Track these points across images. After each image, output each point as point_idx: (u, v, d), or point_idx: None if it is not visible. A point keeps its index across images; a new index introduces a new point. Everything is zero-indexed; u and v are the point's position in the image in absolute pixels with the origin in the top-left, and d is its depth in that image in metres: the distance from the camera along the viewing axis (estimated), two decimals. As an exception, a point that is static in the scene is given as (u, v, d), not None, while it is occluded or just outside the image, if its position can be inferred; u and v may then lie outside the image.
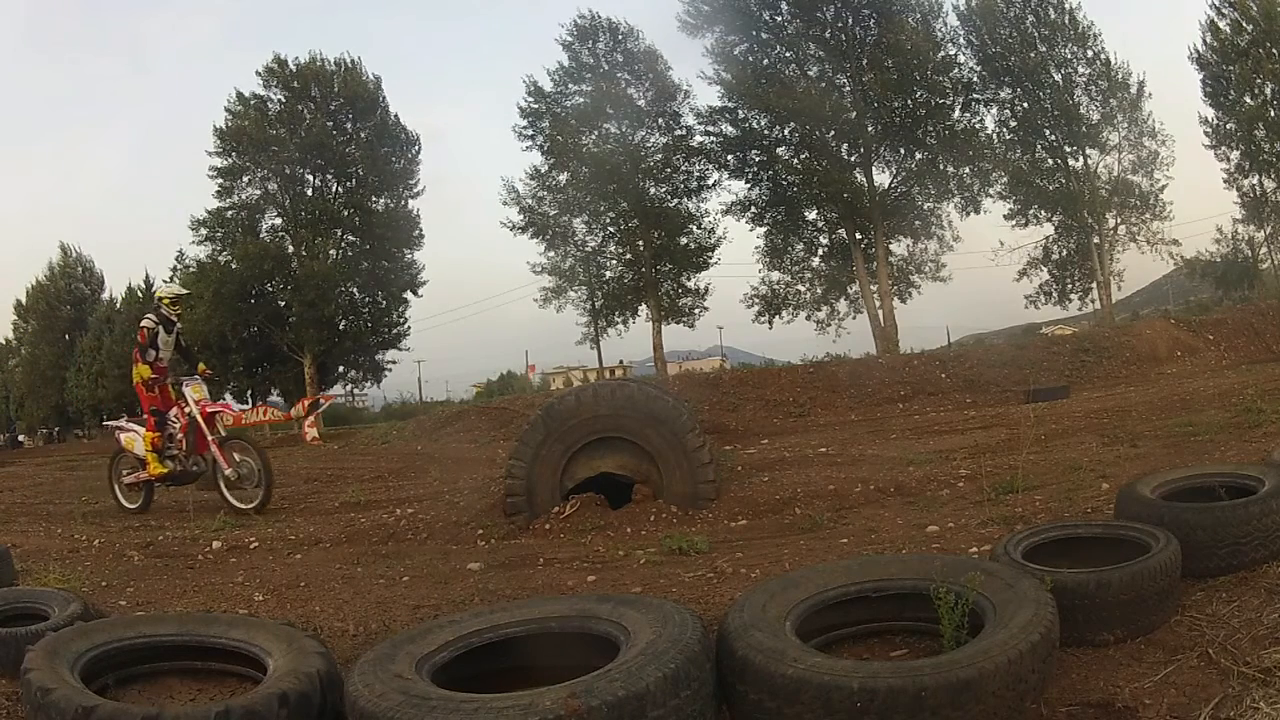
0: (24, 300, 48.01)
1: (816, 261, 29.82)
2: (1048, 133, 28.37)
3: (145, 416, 8.87)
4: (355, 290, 33.89)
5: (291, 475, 12.66)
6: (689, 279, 30.40)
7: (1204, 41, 28.56)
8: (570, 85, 30.09)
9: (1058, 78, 27.97)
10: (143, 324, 8.99)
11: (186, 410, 8.64)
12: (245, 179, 32.40)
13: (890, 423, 13.38)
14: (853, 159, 28.84)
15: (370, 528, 6.81)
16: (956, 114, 28.14)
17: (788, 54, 28.82)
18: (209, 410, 8.62)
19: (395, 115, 33.79)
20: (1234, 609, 2.90)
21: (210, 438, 8.47)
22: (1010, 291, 35.30)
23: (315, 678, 2.45)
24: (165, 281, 10.16)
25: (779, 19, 28.50)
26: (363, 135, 33.23)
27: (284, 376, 34.24)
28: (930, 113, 27.42)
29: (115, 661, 2.79)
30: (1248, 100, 27.61)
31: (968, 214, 28.56)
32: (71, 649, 2.65)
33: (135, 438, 8.87)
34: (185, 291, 9.69)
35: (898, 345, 26.93)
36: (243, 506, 8.30)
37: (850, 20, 28.20)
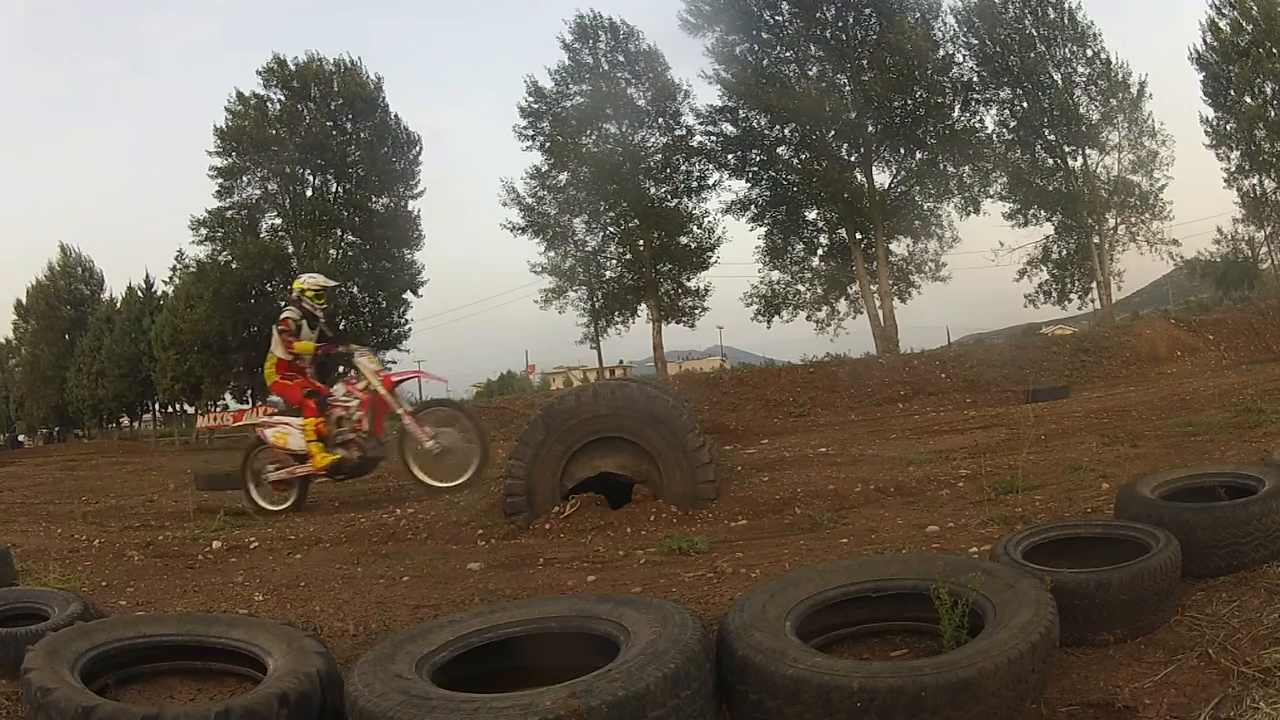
0: (24, 300, 48.11)
1: (816, 261, 29.90)
2: (1047, 133, 28.40)
3: (303, 403, 7.99)
4: (355, 290, 33.93)
5: (291, 475, 12.64)
6: (689, 279, 30.45)
7: (1204, 41, 28.62)
8: (570, 85, 30.15)
9: (1057, 77, 28.00)
10: (285, 314, 8.14)
11: (361, 385, 7.80)
12: (245, 179, 32.51)
13: (890, 423, 13.38)
14: (853, 159, 28.88)
15: (370, 528, 6.80)
16: (956, 114, 28.19)
17: (788, 54, 28.86)
18: (393, 380, 7.80)
19: (396, 115, 33.92)
20: (1234, 609, 2.90)
21: (400, 410, 7.72)
22: (1010, 291, 35.33)
23: (315, 678, 2.45)
24: (307, 273, 8.90)
25: (779, 19, 28.55)
26: (363, 135, 33.27)
27: (284, 376, 34.26)
28: (930, 112, 27.45)
29: (115, 661, 2.79)
30: (1248, 100, 27.63)
31: (968, 214, 28.66)
32: (71, 649, 2.65)
33: (289, 431, 7.94)
34: (332, 283, 8.57)
35: (898, 345, 26.95)
36: (440, 485, 7.55)
37: (850, 20, 28.23)
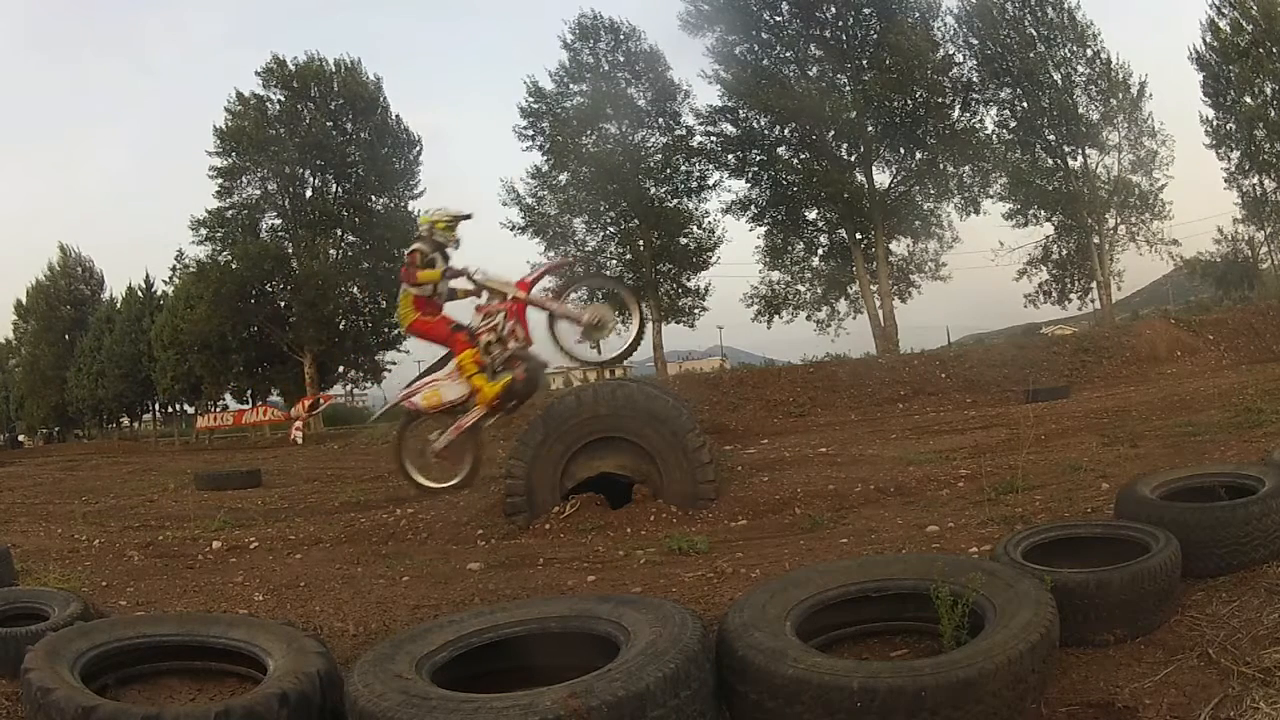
0: (24, 300, 48.09)
1: (816, 261, 29.86)
2: (1047, 133, 28.38)
3: (452, 338, 7.30)
4: (355, 290, 33.94)
5: (291, 475, 12.67)
6: (689, 279, 30.41)
7: (1204, 41, 28.60)
8: (571, 85, 30.14)
9: (1057, 78, 27.99)
10: (414, 247, 7.49)
11: (495, 301, 7.29)
12: (245, 179, 32.48)
13: (890, 423, 13.37)
14: (853, 159, 28.87)
15: (370, 528, 6.81)
16: (956, 114, 28.18)
17: (788, 54, 28.85)
18: (529, 282, 7.35)
19: (396, 116, 33.90)
20: (1234, 609, 2.90)
21: (547, 307, 7.31)
22: (1010, 291, 35.27)
23: (315, 678, 2.45)
24: (435, 206, 8.01)
25: (779, 19, 28.53)
26: (363, 135, 33.27)
27: (284, 376, 34.28)
28: (930, 112, 27.44)
29: (115, 661, 2.80)
30: (1248, 100, 27.62)
31: (968, 214, 28.61)
32: (71, 649, 2.65)
33: (438, 385, 7.32)
34: (465, 214, 8.04)
35: (898, 345, 26.93)
36: (590, 359, 7.37)
37: (850, 20, 28.22)
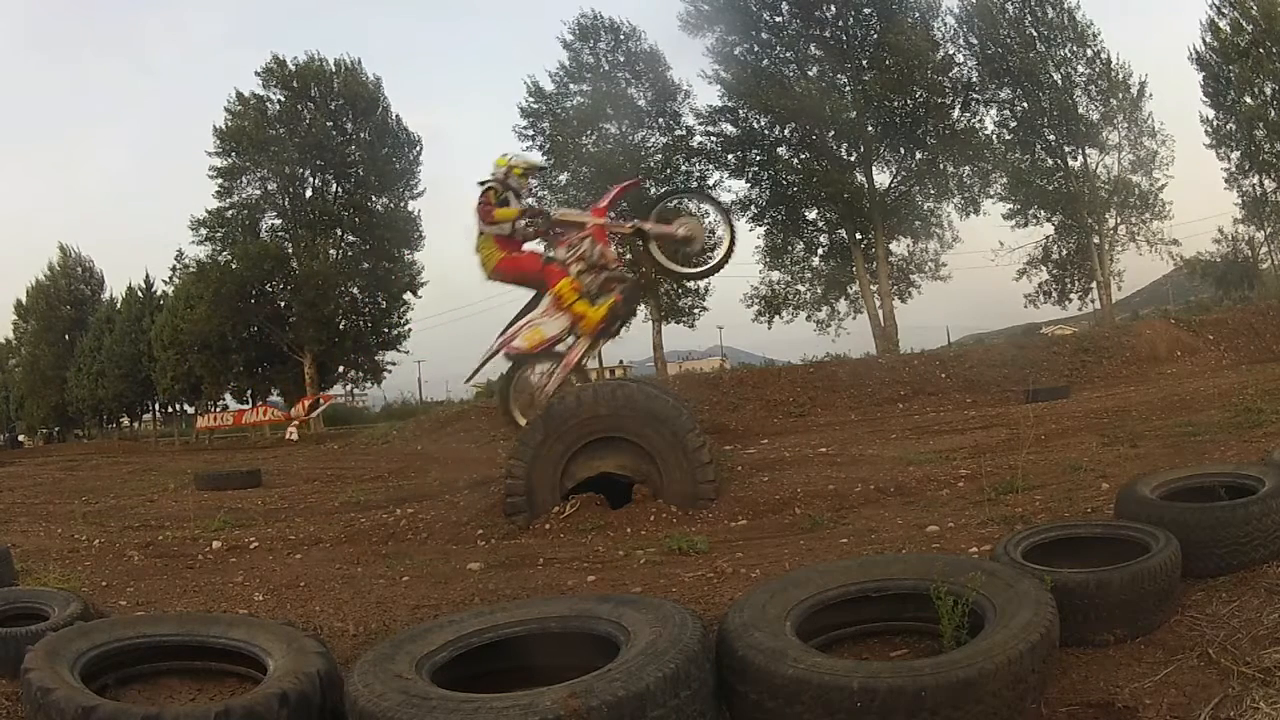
0: (24, 300, 48.11)
1: (816, 261, 29.86)
2: (1047, 133, 28.39)
3: (545, 270, 7.15)
4: (356, 290, 33.95)
5: (291, 475, 12.68)
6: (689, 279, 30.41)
7: (1204, 41, 28.63)
8: (571, 85, 30.14)
9: (1057, 78, 28.01)
10: (487, 186, 7.32)
11: (575, 233, 7.21)
12: (245, 179, 32.50)
13: (890, 423, 13.37)
14: (853, 159, 28.88)
15: (370, 528, 6.81)
16: (956, 114, 28.18)
17: (788, 54, 28.86)
18: (603, 207, 7.32)
19: (396, 116, 33.93)
20: (1234, 609, 2.90)
21: (630, 224, 7.30)
22: (1010, 291, 35.29)
23: (315, 678, 2.46)
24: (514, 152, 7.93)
25: (779, 19, 28.53)
26: (363, 135, 33.28)
27: (284, 376, 34.30)
28: (930, 112, 27.45)
29: (115, 661, 2.80)
30: (1248, 100, 27.64)
31: (968, 214, 28.62)
32: (71, 649, 2.65)
33: (537, 323, 7.11)
34: (543, 164, 8.16)
35: (898, 345, 26.93)
36: (686, 270, 7.79)
37: (850, 20, 28.23)
